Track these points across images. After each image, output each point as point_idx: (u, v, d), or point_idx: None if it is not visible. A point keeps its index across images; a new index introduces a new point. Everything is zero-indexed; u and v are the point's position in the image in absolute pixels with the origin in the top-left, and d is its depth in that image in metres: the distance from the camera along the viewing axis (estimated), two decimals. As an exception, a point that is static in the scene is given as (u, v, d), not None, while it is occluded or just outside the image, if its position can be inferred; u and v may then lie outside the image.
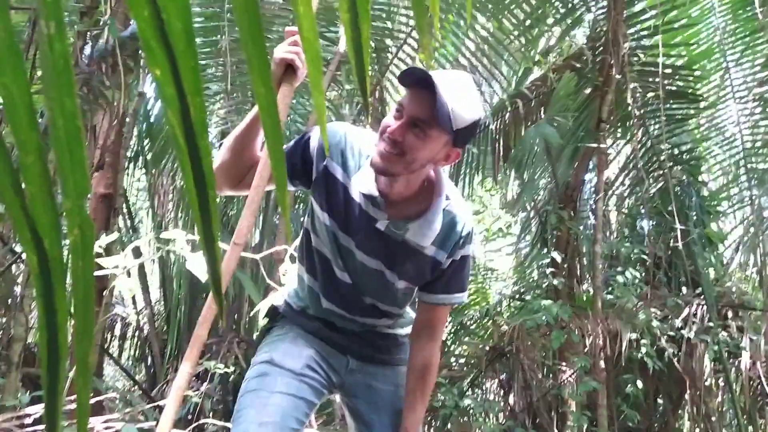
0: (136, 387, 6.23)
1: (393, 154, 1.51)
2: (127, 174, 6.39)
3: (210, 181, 0.58)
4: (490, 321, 6.13)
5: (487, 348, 5.71)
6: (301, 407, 1.69)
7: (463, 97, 1.49)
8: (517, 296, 6.59)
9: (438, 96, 1.45)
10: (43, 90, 0.45)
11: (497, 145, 6.32)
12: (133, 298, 6.61)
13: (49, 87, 0.44)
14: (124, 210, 6.38)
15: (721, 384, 5.69)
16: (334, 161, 1.66)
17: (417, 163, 1.54)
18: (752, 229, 5.85)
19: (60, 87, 0.44)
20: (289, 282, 2.00)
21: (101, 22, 4.31)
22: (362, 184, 1.63)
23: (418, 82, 1.49)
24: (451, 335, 6.51)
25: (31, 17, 3.52)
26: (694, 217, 5.80)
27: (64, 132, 0.47)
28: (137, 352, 6.74)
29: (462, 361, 6.22)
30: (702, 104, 5.94)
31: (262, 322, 2.15)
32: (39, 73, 3.72)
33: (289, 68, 1.44)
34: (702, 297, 5.55)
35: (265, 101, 0.59)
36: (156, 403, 4.48)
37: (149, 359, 6.29)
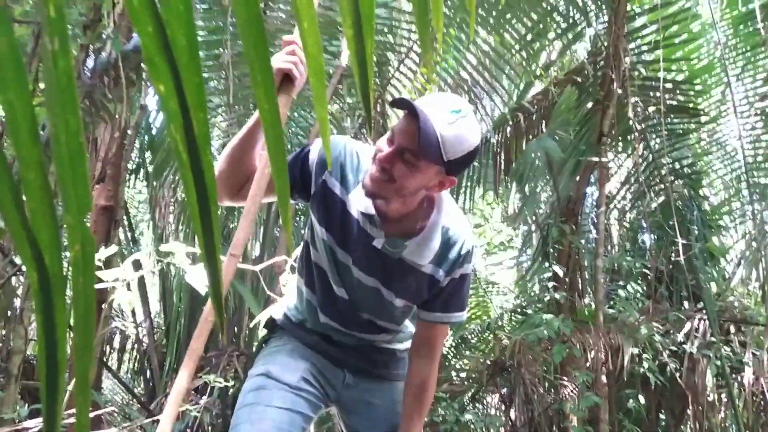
0: (135, 400, 6.20)
1: (383, 180, 1.50)
2: (128, 186, 6.40)
3: (212, 195, 0.58)
4: (491, 335, 6.11)
5: (488, 362, 5.69)
6: (297, 421, 1.68)
7: (457, 126, 1.45)
8: (519, 310, 6.57)
9: (424, 128, 1.42)
10: (47, 105, 0.45)
11: (498, 158, 6.32)
12: (133, 310, 6.59)
13: (53, 103, 0.44)
14: (125, 222, 6.38)
15: (724, 399, 5.66)
16: (332, 176, 1.64)
17: (406, 190, 1.52)
18: (754, 244, 5.84)
19: (63, 103, 0.44)
20: (289, 294, 1.99)
21: (104, 36, 4.34)
22: (359, 201, 1.61)
23: (409, 112, 1.48)
24: (452, 349, 6.49)
25: (35, 30, 3.54)
26: (696, 232, 5.80)
27: (67, 148, 0.46)
28: (136, 365, 6.72)
29: (463, 375, 6.19)
30: (703, 119, 5.95)
31: (261, 333, 2.14)
32: (41, 85, 3.74)
33: (286, 78, 1.43)
34: (704, 311, 5.53)
35: (268, 116, 0.59)
36: (155, 417, 4.46)
37: (148, 372, 6.26)
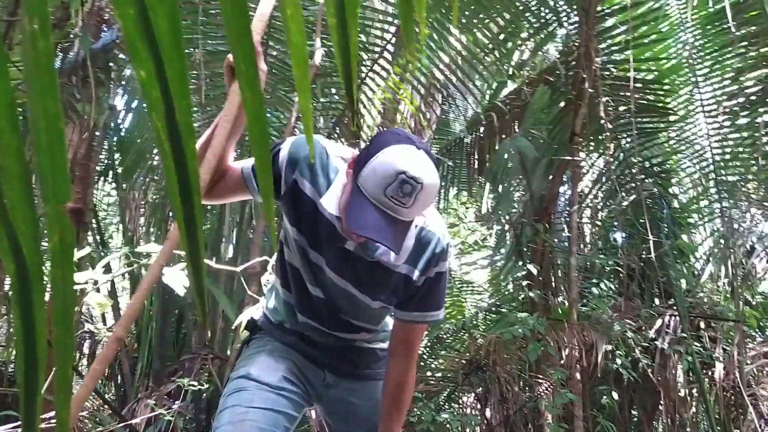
0: (107, 406, 6.10)
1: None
2: (97, 188, 6.31)
3: (195, 186, 0.56)
4: (467, 334, 6.13)
5: (464, 361, 5.70)
6: (280, 421, 1.67)
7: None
8: (493, 309, 6.61)
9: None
10: (25, 89, 0.44)
11: (472, 158, 6.35)
12: (103, 315, 6.49)
13: (32, 87, 0.43)
14: (94, 225, 6.28)
15: (695, 395, 5.75)
16: (303, 176, 1.63)
17: None
18: (722, 241, 5.95)
19: (42, 87, 0.43)
20: (268, 294, 1.98)
21: (72, 35, 4.27)
22: (331, 204, 1.60)
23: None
24: (428, 349, 6.50)
25: (2, 29, 3.47)
26: (666, 229, 5.88)
27: (46, 134, 0.45)
28: (107, 370, 6.61)
29: (438, 375, 6.20)
30: (672, 118, 6.04)
31: (241, 334, 2.13)
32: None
33: None
34: (674, 308, 5.61)
35: (252, 107, 0.58)
36: (126, 422, 4.39)
37: (119, 378, 6.16)
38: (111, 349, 1.01)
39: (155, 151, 5.30)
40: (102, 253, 5.89)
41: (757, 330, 6.27)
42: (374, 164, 1.43)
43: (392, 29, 5.00)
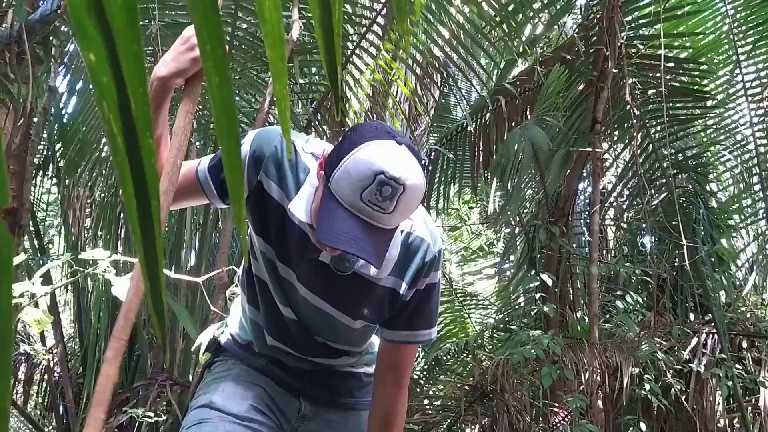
0: (46, 441, 6.09)
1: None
2: (35, 184, 6.28)
3: (153, 188, 0.57)
4: (470, 355, 6.14)
5: (467, 387, 5.72)
6: (247, 458, 1.67)
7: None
8: (501, 326, 6.63)
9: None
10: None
11: (476, 149, 6.37)
12: (42, 333, 6.46)
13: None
14: (31, 227, 6.25)
15: (737, 425, 5.79)
16: (269, 177, 1.62)
17: None
18: (768, 246, 6.00)
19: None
20: (233, 310, 1.97)
21: (4, 4, 4.25)
22: (300, 209, 1.57)
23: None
24: (424, 373, 6.51)
25: None
26: (702, 233, 5.92)
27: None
28: (47, 399, 6.59)
29: (437, 403, 6.22)
30: (709, 103, 6.07)
31: (202, 357, 2.13)
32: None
33: (189, 79, 1.39)
34: (712, 324, 5.65)
35: (219, 93, 0.59)
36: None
37: (61, 408, 6.14)
38: (106, 387, 1.00)
39: (103, 141, 5.29)
40: (41, 261, 5.86)
41: (807, 350, 6.33)
42: (348, 164, 1.42)
43: (383, -2, 5.02)
